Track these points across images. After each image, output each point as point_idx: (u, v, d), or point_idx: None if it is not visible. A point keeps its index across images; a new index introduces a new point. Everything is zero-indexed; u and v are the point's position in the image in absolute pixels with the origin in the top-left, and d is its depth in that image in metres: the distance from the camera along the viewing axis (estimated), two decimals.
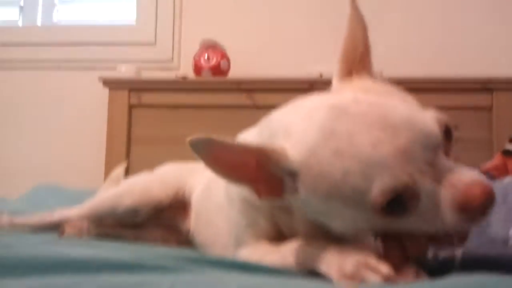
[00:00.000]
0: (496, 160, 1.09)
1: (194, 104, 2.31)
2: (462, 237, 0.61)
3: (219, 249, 0.95)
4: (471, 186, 0.58)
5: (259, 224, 0.78)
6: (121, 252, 0.67)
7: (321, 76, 2.29)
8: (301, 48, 2.49)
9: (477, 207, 0.57)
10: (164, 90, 2.37)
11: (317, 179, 0.63)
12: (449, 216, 0.59)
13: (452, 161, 0.61)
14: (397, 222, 0.61)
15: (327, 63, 2.60)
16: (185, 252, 0.85)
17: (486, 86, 2.18)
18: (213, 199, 1.02)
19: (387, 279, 0.57)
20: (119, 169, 1.54)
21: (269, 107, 2.60)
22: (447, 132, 0.63)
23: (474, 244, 0.60)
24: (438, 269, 0.62)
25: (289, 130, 0.66)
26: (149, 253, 0.67)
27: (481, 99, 2.19)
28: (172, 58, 2.63)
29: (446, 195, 0.59)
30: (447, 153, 0.62)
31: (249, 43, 2.52)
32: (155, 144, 2.32)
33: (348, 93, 0.66)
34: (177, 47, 2.63)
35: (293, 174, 0.65)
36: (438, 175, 0.60)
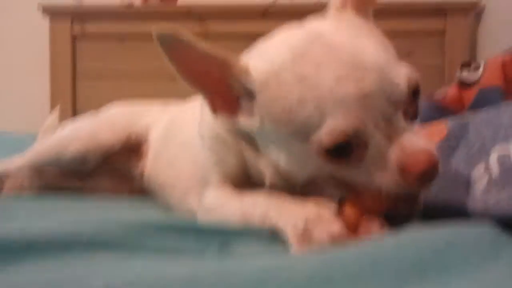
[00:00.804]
0: (452, 91, 1.08)
1: (141, 34, 2.19)
2: (411, 200, 0.61)
3: (180, 192, 0.92)
4: (418, 153, 0.58)
5: (228, 162, 0.76)
6: (64, 226, 0.61)
7: (275, 2, 2.22)
8: None
9: (418, 174, 0.57)
10: (109, 18, 2.25)
11: (273, 101, 0.62)
12: (392, 175, 0.58)
13: (409, 123, 0.61)
14: (342, 169, 0.60)
15: None
16: (142, 216, 0.81)
17: (439, 9, 2.16)
18: (177, 139, 0.98)
19: (335, 238, 0.56)
20: (53, 115, 1.42)
21: (222, 35, 2.54)
22: (415, 92, 0.62)
23: (438, 184, 0.59)
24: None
25: (262, 51, 0.67)
26: (97, 224, 0.62)
27: (434, 23, 2.18)
28: None
29: (393, 155, 0.59)
30: (410, 112, 0.61)
31: None
32: (102, 78, 2.22)
33: (332, 23, 0.65)
34: None
35: (250, 94, 0.63)
36: (391, 133, 0.59)
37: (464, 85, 1.08)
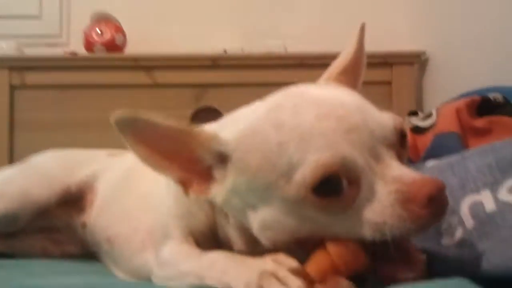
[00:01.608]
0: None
1: (85, 83, 2.11)
2: (404, 254, 0.54)
3: (135, 245, 0.84)
4: (420, 179, 0.52)
5: (195, 217, 0.70)
6: None
7: (225, 52, 2.20)
8: (203, 22, 2.37)
9: (425, 199, 0.50)
10: (51, 68, 2.13)
11: (249, 154, 0.57)
12: (393, 211, 0.52)
13: (404, 166, 0.56)
14: (330, 215, 0.54)
15: (231, 39, 2.53)
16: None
17: (385, 61, 2.20)
18: (135, 189, 0.91)
19: None
20: None
21: (170, 86, 2.46)
22: (402, 137, 0.58)
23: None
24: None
25: (228, 119, 0.65)
26: None
27: (380, 74, 2.21)
28: (60, 32, 2.39)
29: (391, 188, 0.53)
30: (403, 156, 0.57)
31: (146, 15, 2.35)
32: (42, 129, 2.10)
33: (314, 86, 0.64)
34: (66, 20, 2.39)
35: (223, 158, 0.59)
36: (385, 171, 0.54)
37: (418, 130, 1.06)
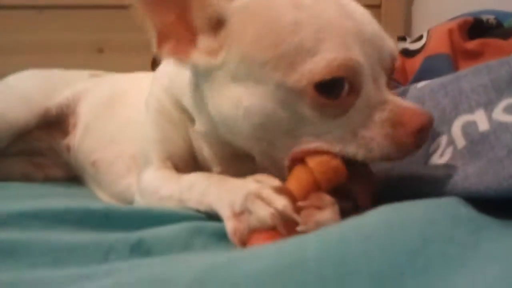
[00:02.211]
0: None
1: (63, 4, 2.02)
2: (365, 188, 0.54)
3: (119, 170, 0.83)
4: (415, 109, 0.52)
5: (173, 141, 0.68)
6: None
7: None
8: None
9: (417, 128, 0.51)
10: None
11: (255, 22, 0.53)
12: (382, 129, 0.51)
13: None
14: (322, 115, 0.52)
15: None
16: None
17: None
18: (118, 115, 0.89)
19: (277, 215, 0.48)
20: None
21: None
22: (393, 68, 0.58)
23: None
24: None
25: None
26: None
27: None
28: None
29: (386, 108, 0.52)
30: (390, 85, 0.57)
31: None
32: (19, 52, 2.03)
33: None
34: None
35: (218, 23, 0.55)
36: (379, 92, 0.54)
37: (407, 53, 1.04)
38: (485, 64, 0.54)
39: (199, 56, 0.56)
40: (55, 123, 0.99)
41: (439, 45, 0.97)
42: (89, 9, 2.02)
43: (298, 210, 0.49)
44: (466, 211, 0.41)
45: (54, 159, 1.00)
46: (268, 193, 0.50)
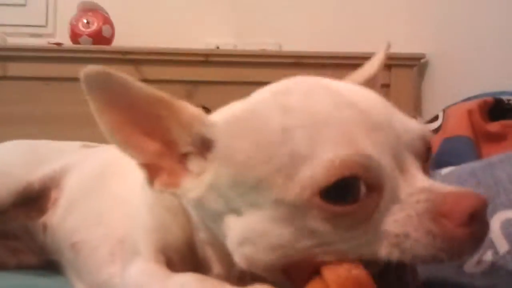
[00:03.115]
0: None
1: (70, 76, 2.01)
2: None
3: (102, 256, 0.73)
4: (458, 192, 0.41)
5: (169, 229, 0.59)
6: None
7: (217, 48, 2.13)
8: (196, 17, 2.29)
9: (465, 214, 0.39)
10: (35, 59, 2.04)
11: (241, 138, 0.46)
12: (421, 224, 0.41)
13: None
14: (336, 228, 0.42)
15: (224, 35, 2.46)
16: None
17: (385, 62, 2.13)
18: (108, 192, 0.79)
19: None
20: None
21: (160, 82, 2.37)
22: (428, 150, 0.48)
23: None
24: None
25: (233, 105, 0.54)
26: None
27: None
28: (46, 22, 2.30)
29: (417, 198, 0.42)
30: (426, 171, 0.47)
31: (136, 7, 2.27)
32: (25, 123, 2.02)
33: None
34: (52, 9, 2.30)
35: (205, 145, 0.48)
36: (408, 182, 0.43)
37: None
38: None
39: (189, 182, 0.50)
40: (35, 199, 0.90)
41: (459, 127, 0.91)
42: None
43: None
44: None
45: (28, 243, 0.90)
46: None
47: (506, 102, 0.98)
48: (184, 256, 0.57)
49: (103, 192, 0.80)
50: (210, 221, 0.50)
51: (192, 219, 0.56)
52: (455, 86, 1.94)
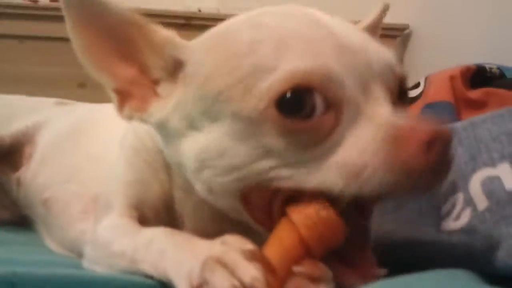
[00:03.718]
0: None
1: (46, 35, 1.97)
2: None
3: (74, 212, 0.71)
4: (421, 122, 0.39)
5: (147, 184, 0.57)
6: None
7: (199, 11, 2.08)
8: None
9: (426, 141, 0.37)
10: (10, 16, 1.98)
11: (208, 53, 0.46)
12: (382, 151, 0.39)
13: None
14: (292, 145, 0.41)
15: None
16: None
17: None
18: (82, 149, 0.78)
19: (247, 287, 0.36)
20: None
21: None
22: (402, 90, 0.46)
23: (396, 219, 0.42)
24: None
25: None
26: None
27: None
28: None
29: (376, 128, 0.40)
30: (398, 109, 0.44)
31: None
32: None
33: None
34: None
35: (176, 67, 0.48)
36: (372, 110, 0.41)
37: None
38: (506, 109, 0.45)
39: (155, 105, 0.49)
40: (8, 154, 0.88)
41: (440, 93, 0.90)
42: (69, 41, 1.97)
43: (275, 283, 0.38)
44: None
45: (1, 197, 0.88)
46: (234, 259, 0.38)
47: (488, 70, 0.97)
48: (159, 213, 0.56)
49: (76, 150, 0.79)
50: (172, 145, 0.49)
51: (174, 177, 0.55)
52: (438, 57, 1.94)
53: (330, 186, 0.40)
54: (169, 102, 0.47)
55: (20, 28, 2.00)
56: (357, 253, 0.42)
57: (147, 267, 0.46)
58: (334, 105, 0.41)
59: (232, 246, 0.40)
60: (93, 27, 0.48)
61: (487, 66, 0.99)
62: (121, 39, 0.49)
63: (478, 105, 0.89)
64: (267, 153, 0.42)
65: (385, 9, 0.64)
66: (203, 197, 0.48)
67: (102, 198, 0.63)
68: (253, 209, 0.45)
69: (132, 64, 0.49)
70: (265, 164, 0.42)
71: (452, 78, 0.91)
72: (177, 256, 0.43)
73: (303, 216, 0.40)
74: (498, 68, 1.01)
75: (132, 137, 0.60)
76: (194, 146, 0.46)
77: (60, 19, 1.90)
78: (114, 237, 0.53)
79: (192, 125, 0.46)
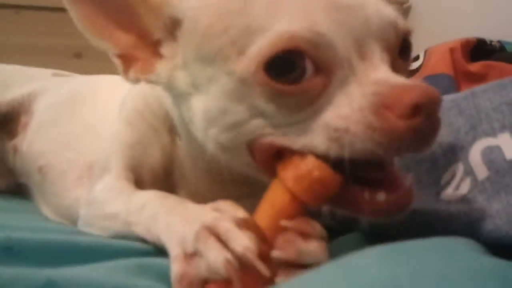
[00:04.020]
0: None
1: (41, 5, 1.97)
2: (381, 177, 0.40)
3: (70, 179, 0.72)
4: (408, 85, 0.38)
5: (147, 146, 0.58)
6: None
7: None
8: None
9: (409, 106, 0.37)
10: None
11: (203, 10, 0.45)
12: (362, 116, 0.38)
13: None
14: (279, 108, 0.41)
15: None
16: None
17: None
18: (78, 117, 0.78)
19: (237, 261, 0.36)
20: None
21: None
22: (404, 46, 0.45)
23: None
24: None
25: None
26: None
27: None
28: None
29: (364, 91, 0.39)
30: (400, 69, 0.43)
31: None
32: None
33: None
34: None
35: (174, 25, 0.48)
36: (365, 72, 0.40)
37: None
38: (509, 79, 0.45)
39: (161, 66, 0.49)
40: (3, 122, 0.87)
41: (440, 65, 0.89)
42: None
43: (268, 251, 0.38)
44: (491, 262, 0.31)
45: None
46: (227, 228, 0.38)
47: (488, 43, 0.96)
48: (156, 176, 0.57)
49: (73, 118, 0.79)
50: (183, 105, 0.49)
51: (177, 134, 0.55)
52: (437, 32, 1.92)
53: (314, 148, 0.40)
54: (174, 61, 0.47)
55: None
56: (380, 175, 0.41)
57: (140, 230, 0.47)
58: (324, 67, 0.40)
59: (225, 213, 0.41)
60: None
61: (487, 39, 0.98)
62: (118, 6, 0.49)
63: (478, 78, 0.88)
64: (260, 113, 0.42)
65: None
66: (217, 156, 0.47)
67: (99, 162, 0.63)
68: (260, 161, 0.44)
69: (132, 29, 0.49)
70: (258, 123, 0.42)
71: (452, 51, 0.90)
72: (169, 221, 0.44)
73: (296, 178, 0.40)
74: (499, 41, 1.00)
75: (137, 100, 0.61)
76: (199, 105, 0.46)
77: None
78: (108, 199, 0.54)
79: (194, 83, 0.46)
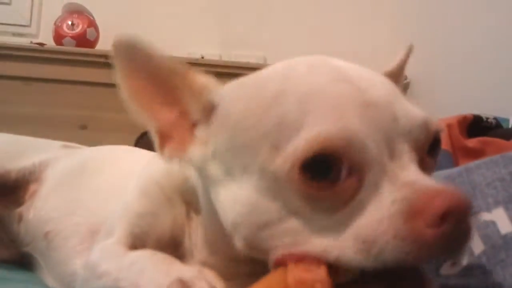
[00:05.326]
0: None
1: (51, 78, 2.00)
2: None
3: (71, 246, 0.72)
4: (437, 189, 0.38)
5: (159, 216, 0.58)
6: None
7: (202, 57, 2.12)
8: (181, 25, 2.28)
9: (435, 213, 0.36)
10: (16, 58, 2.01)
11: (236, 100, 0.46)
12: (385, 231, 0.38)
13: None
14: (313, 209, 0.41)
15: (210, 45, 2.46)
16: None
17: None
18: (87, 184, 0.79)
19: None
20: None
21: None
22: (434, 145, 0.45)
23: None
24: None
25: None
26: None
27: None
28: (30, 22, 2.29)
29: (394, 197, 0.39)
30: (427, 167, 0.44)
31: (122, 12, 2.25)
32: (3, 122, 1.97)
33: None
34: (37, 9, 2.29)
35: (210, 110, 0.48)
36: (395, 172, 0.40)
37: None
38: (500, 156, 0.46)
39: (194, 149, 0.49)
40: (12, 189, 0.88)
41: None
42: (76, 84, 2.00)
43: None
44: None
45: (2, 234, 0.88)
46: (202, 286, 0.40)
47: (484, 119, 0.99)
48: (164, 246, 0.56)
49: (81, 185, 0.80)
50: (209, 187, 0.49)
51: (191, 216, 0.56)
52: (436, 109, 1.97)
53: (348, 261, 0.39)
54: (206, 147, 0.48)
55: (25, 69, 2.03)
56: None
57: (127, 285, 0.47)
58: (357, 169, 0.40)
59: (205, 277, 0.42)
60: (139, 76, 0.50)
61: (483, 116, 1.01)
62: (164, 85, 0.50)
63: (475, 153, 0.89)
64: (294, 213, 0.41)
65: (409, 51, 0.63)
66: (243, 250, 0.46)
67: (105, 225, 0.63)
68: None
69: (174, 108, 0.50)
70: (292, 224, 0.41)
71: (449, 127, 0.93)
72: (153, 274, 0.45)
73: (299, 275, 0.39)
74: (495, 118, 1.03)
75: (159, 171, 0.60)
76: (230, 195, 0.45)
77: (65, 62, 1.96)
78: (101, 261, 0.54)
79: (227, 171, 0.46)
